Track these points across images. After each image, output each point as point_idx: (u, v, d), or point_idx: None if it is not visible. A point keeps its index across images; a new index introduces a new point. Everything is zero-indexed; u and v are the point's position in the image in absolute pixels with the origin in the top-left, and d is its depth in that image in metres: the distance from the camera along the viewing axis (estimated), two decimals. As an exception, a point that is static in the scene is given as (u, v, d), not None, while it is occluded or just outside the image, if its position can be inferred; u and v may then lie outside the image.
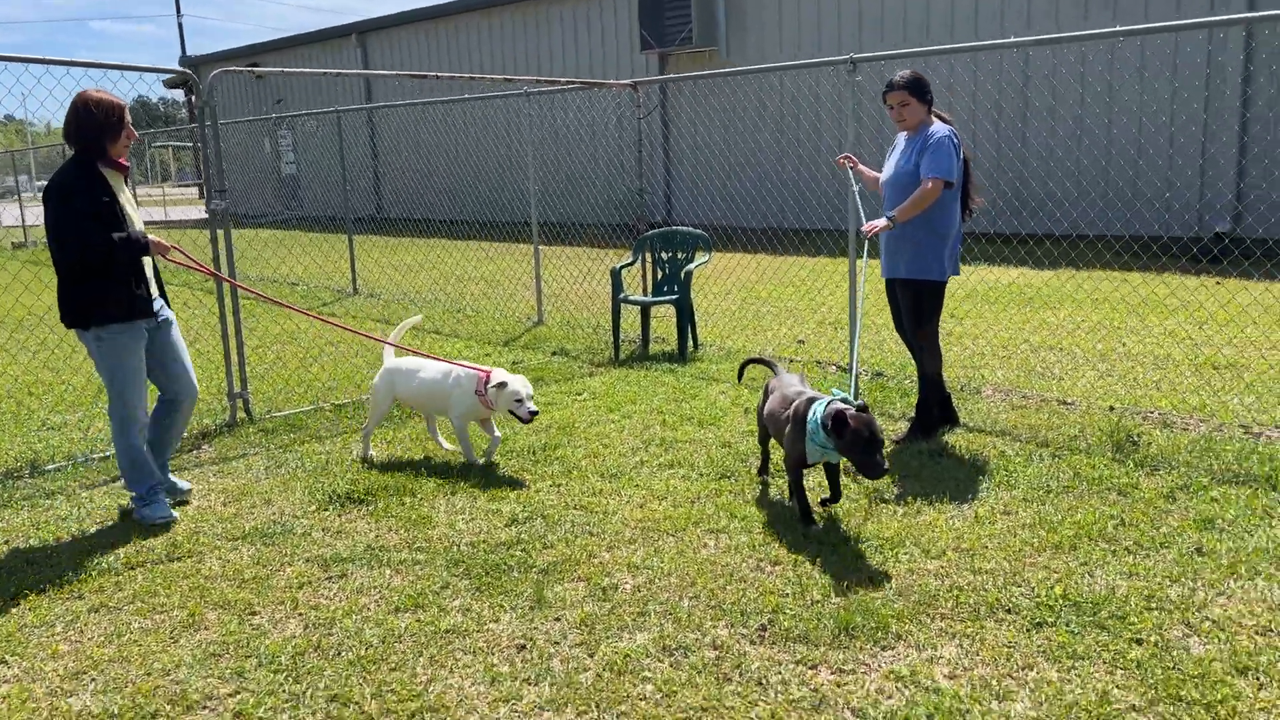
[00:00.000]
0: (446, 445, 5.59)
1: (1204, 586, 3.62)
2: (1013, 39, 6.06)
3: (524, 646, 3.39)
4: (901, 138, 5.41)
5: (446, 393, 5.24)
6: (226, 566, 4.12)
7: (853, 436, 3.92)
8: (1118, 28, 5.72)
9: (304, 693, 3.13)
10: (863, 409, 4.01)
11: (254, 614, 3.69)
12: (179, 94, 49.60)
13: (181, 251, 4.70)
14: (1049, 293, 9.85)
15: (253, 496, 4.93)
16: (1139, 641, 3.25)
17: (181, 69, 6.18)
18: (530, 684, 3.16)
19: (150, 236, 4.46)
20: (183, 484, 4.94)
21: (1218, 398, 6.03)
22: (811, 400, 4.18)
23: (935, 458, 5.14)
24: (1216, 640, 3.24)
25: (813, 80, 14.52)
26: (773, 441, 4.77)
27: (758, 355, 5.08)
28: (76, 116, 4.34)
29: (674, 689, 3.10)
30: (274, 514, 4.69)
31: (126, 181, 4.58)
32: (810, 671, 3.18)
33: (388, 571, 4.02)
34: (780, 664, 3.23)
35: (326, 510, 4.73)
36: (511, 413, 5.08)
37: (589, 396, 6.68)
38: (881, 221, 5.15)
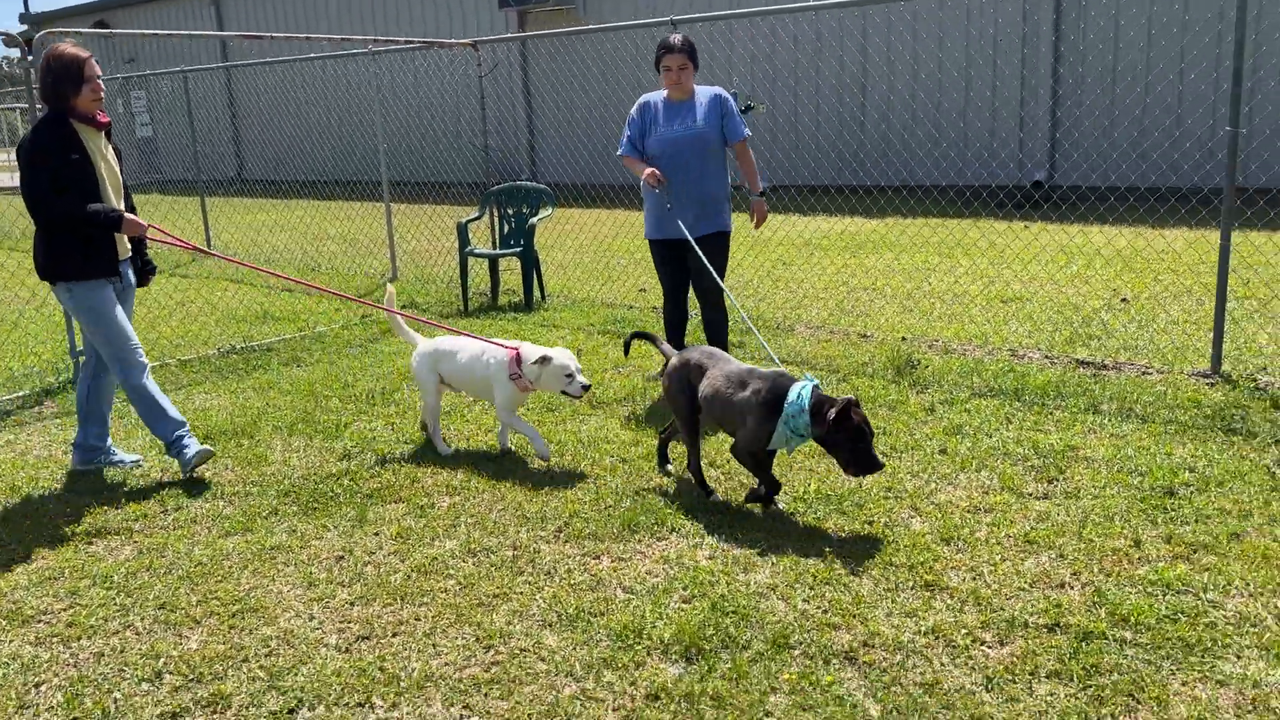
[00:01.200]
0: (510, 445, 4.92)
1: (937, 479, 4.25)
2: (816, 2, 6.58)
3: (342, 557, 3.79)
4: (659, 99, 5.46)
5: (487, 377, 4.69)
6: (66, 506, 4.36)
7: (856, 432, 3.70)
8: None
9: (134, 604, 3.46)
10: (855, 404, 3.74)
11: (90, 544, 3.98)
12: (18, 52, 46.59)
13: (160, 230, 4.61)
14: (875, 239, 10.59)
15: (93, 445, 5.14)
16: (870, 523, 3.85)
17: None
18: (344, 586, 3.56)
19: (127, 215, 4.37)
20: (126, 457, 4.84)
21: (995, 327, 6.77)
22: (786, 379, 3.86)
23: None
24: (933, 519, 3.87)
25: (647, 41, 14.94)
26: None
27: (644, 331, 4.73)
28: (40, 74, 4.27)
29: (474, 582, 3.55)
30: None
31: (109, 137, 4.51)
32: (594, 561, 3.67)
33: (221, 503, 4.34)
34: (569, 557, 3.71)
35: (167, 454, 4.99)
36: (562, 391, 4.57)
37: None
38: (763, 205, 5.59)
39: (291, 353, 6.98)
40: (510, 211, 8.62)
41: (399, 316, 5.09)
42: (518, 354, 4.58)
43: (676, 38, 5.35)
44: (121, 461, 4.83)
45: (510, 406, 4.68)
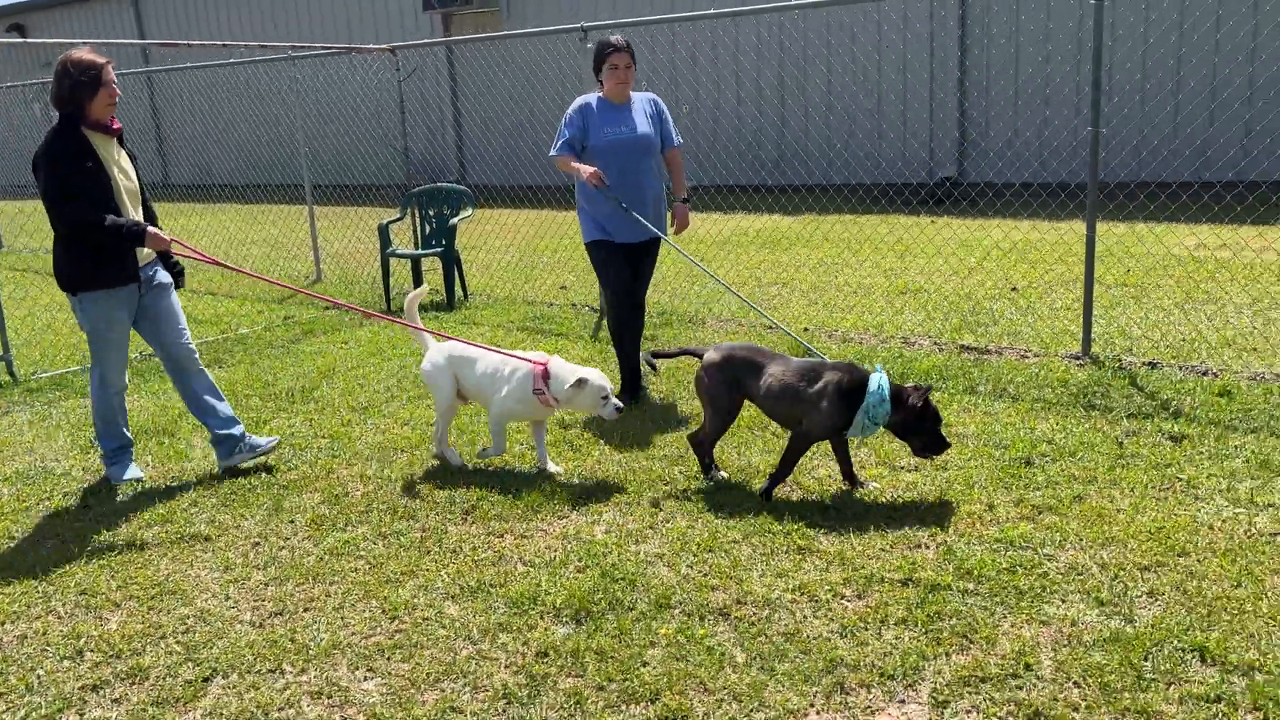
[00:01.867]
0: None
1: (819, 456, 4.58)
2: (725, 9, 6.91)
3: (258, 543, 4.00)
4: (595, 100, 5.37)
5: (503, 385, 4.52)
6: (-14, 505, 4.50)
7: (934, 416, 4.02)
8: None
9: (55, 591, 3.64)
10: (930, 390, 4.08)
11: (11, 539, 4.13)
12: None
13: (181, 244, 4.57)
14: (790, 236, 10.99)
15: (14, 446, 5.26)
16: (752, 496, 4.17)
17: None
18: (259, 569, 3.77)
19: (150, 229, 4.32)
20: (261, 440, 4.80)
21: (891, 317, 7.17)
22: (859, 370, 4.05)
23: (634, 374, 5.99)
24: (812, 491, 4.21)
25: (562, 46, 15.21)
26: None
27: (685, 348, 4.72)
28: (55, 79, 4.24)
29: (382, 562, 3.79)
30: (35, 460, 5.05)
31: (122, 144, 4.50)
32: (498, 539, 3.94)
33: (141, 498, 4.51)
34: (475, 536, 3.96)
35: (88, 454, 5.13)
36: (596, 413, 4.49)
37: (355, 345, 7.22)
38: (687, 210, 5.61)
39: (214, 354, 7.10)
40: (431, 213, 8.82)
41: (414, 319, 4.86)
42: (545, 369, 4.43)
43: (618, 38, 5.27)
44: (259, 447, 4.77)
45: (510, 417, 4.58)
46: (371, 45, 9.33)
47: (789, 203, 12.95)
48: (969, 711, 2.74)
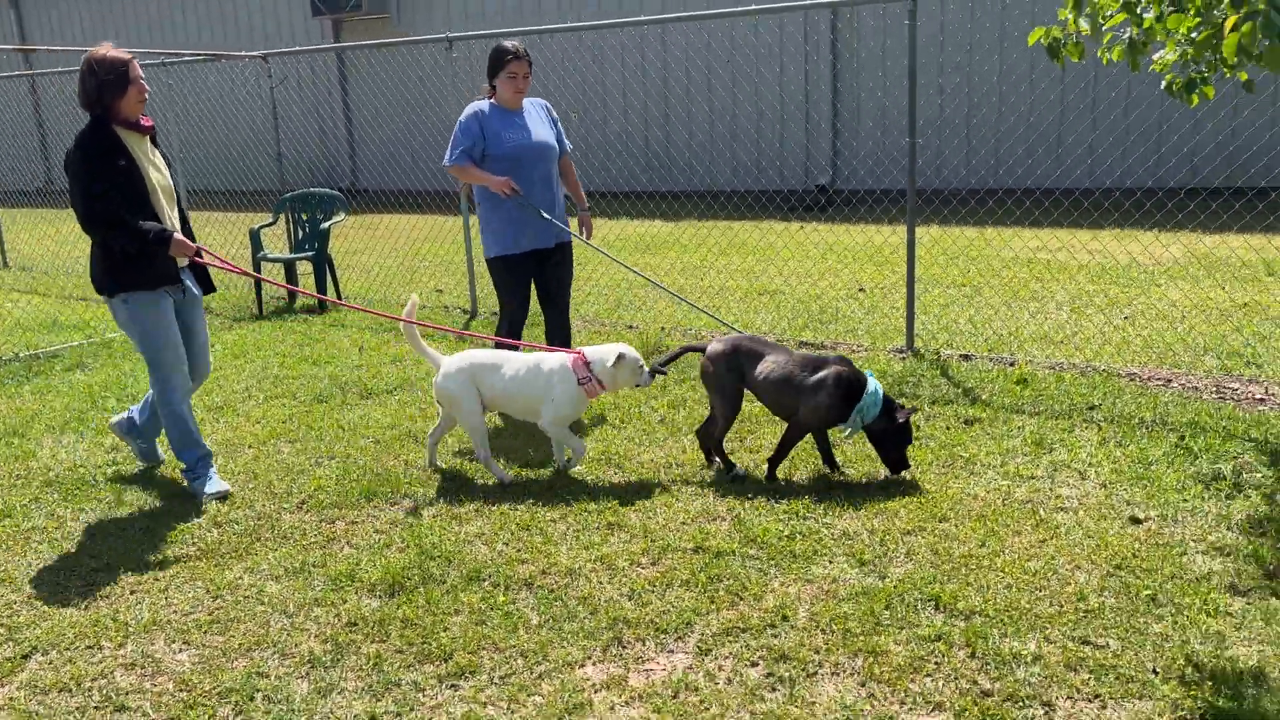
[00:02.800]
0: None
1: (647, 443, 4.92)
2: (592, 20, 7.22)
3: (96, 534, 4.15)
4: (488, 107, 5.19)
5: (545, 391, 4.45)
6: None
7: (909, 437, 4.29)
8: (728, 10, 7.04)
9: (-117, 583, 3.74)
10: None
11: None
12: None
13: (208, 252, 4.53)
14: (666, 240, 11.38)
15: None
16: (581, 481, 4.47)
17: None
18: (93, 557, 3.93)
19: (176, 236, 4.27)
20: (160, 453, 4.92)
21: (740, 316, 7.57)
22: (854, 367, 4.29)
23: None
24: (633, 473, 4.53)
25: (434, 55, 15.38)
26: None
27: (690, 345, 4.73)
28: (81, 79, 4.16)
29: (214, 546, 3.98)
30: (-123, 462, 5.08)
31: (155, 142, 4.45)
32: (330, 526, 4.16)
33: (-18, 494, 4.60)
34: (308, 524, 4.18)
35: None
36: (635, 385, 4.56)
37: (221, 347, 7.32)
38: (590, 217, 5.59)
39: (77, 358, 7.13)
40: (304, 217, 8.94)
41: (416, 332, 4.66)
42: (583, 358, 4.45)
43: (517, 44, 5.14)
44: (152, 457, 4.91)
45: (569, 419, 4.53)
46: (244, 52, 9.41)
47: (671, 209, 13.35)
48: (727, 657, 3.08)
